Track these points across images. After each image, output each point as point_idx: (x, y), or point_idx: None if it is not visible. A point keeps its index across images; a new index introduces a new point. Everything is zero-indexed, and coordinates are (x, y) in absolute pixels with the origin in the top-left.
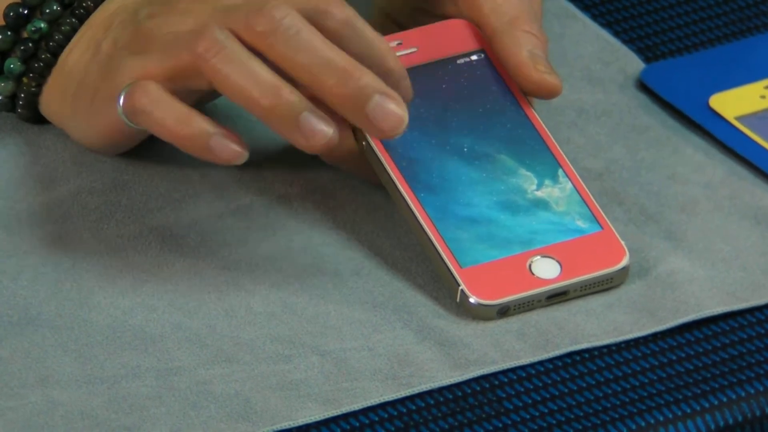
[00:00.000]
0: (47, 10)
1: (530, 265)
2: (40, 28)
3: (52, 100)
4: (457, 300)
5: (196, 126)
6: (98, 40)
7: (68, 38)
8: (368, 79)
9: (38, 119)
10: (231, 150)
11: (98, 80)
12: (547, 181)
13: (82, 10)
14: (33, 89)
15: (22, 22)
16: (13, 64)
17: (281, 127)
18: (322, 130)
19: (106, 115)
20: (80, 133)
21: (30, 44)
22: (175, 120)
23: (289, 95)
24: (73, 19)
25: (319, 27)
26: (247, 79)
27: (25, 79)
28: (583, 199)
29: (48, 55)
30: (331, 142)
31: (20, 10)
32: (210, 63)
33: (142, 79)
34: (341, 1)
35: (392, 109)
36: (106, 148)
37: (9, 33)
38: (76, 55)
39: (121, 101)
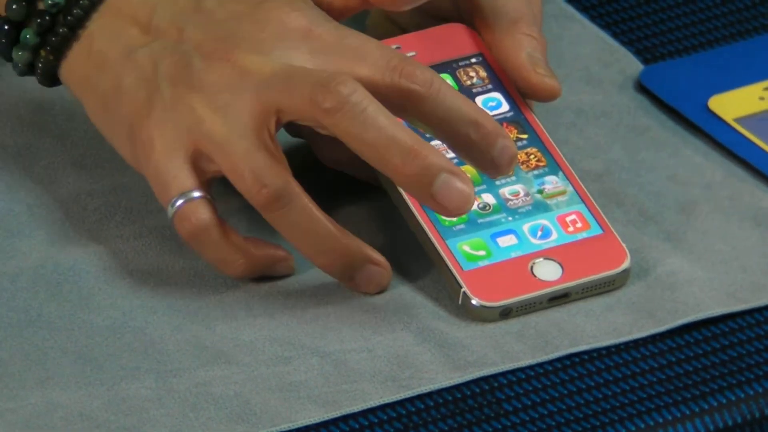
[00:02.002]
0: None
1: (532, 267)
2: (58, 3)
3: (72, 73)
4: (459, 302)
5: (253, 261)
6: (131, 39)
7: (87, 12)
8: (434, 157)
9: (58, 84)
10: (281, 267)
11: (134, 109)
12: (547, 184)
13: None
14: (51, 61)
15: None
16: (29, 34)
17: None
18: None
19: (132, 152)
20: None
21: (47, 17)
22: (220, 261)
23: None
24: None
25: (399, 87)
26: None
27: (42, 52)
28: (583, 201)
29: (66, 29)
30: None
31: None
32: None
33: (186, 151)
34: (418, 65)
35: (458, 188)
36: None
37: (24, 4)
38: (102, 42)
39: (172, 215)
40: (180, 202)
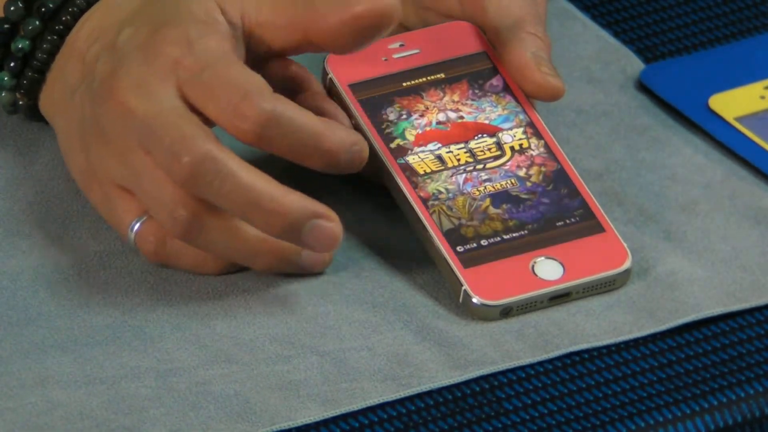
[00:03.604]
0: (29, 27)
1: (533, 266)
2: (23, 47)
3: (46, 112)
4: (460, 300)
5: (216, 265)
6: (73, 79)
7: (51, 55)
8: (296, 208)
9: (44, 120)
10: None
11: (78, 151)
12: (550, 183)
13: (61, 26)
14: (27, 102)
15: (6, 38)
16: (6, 77)
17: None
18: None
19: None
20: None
21: (18, 60)
22: (194, 266)
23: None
24: (54, 36)
25: (236, 130)
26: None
27: (17, 94)
28: (585, 200)
29: (34, 74)
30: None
31: (3, 25)
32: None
33: (118, 187)
34: (261, 97)
35: (325, 230)
36: None
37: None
38: (58, 84)
39: (134, 241)
40: (137, 226)
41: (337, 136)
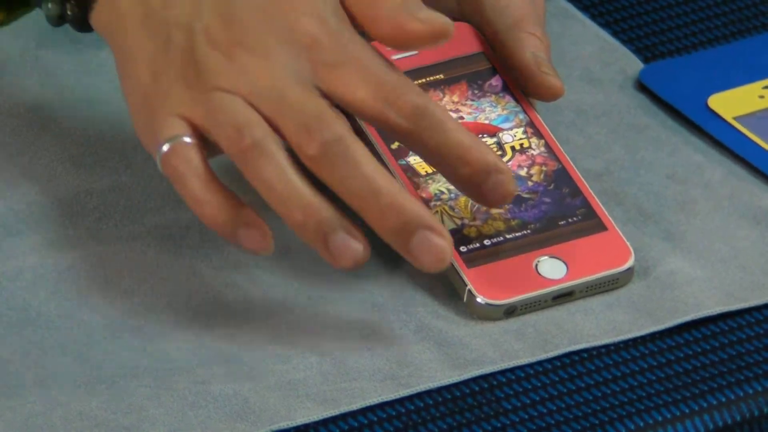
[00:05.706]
0: None
1: (536, 266)
2: None
3: (99, 23)
4: (464, 300)
5: (228, 213)
6: (149, 4)
7: None
8: (413, 212)
9: (91, 30)
10: (257, 242)
11: (145, 78)
12: (551, 183)
13: None
14: (77, 13)
15: None
16: None
17: (310, 241)
18: (350, 249)
19: (143, 119)
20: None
21: None
22: (209, 202)
23: (321, 214)
24: None
25: (385, 120)
26: (283, 188)
27: (68, 4)
28: (587, 199)
29: None
30: (361, 260)
31: None
32: (249, 164)
33: (183, 119)
34: (412, 92)
35: (435, 245)
36: None
37: None
38: (125, 1)
39: (162, 153)
40: (171, 142)
41: (483, 151)
